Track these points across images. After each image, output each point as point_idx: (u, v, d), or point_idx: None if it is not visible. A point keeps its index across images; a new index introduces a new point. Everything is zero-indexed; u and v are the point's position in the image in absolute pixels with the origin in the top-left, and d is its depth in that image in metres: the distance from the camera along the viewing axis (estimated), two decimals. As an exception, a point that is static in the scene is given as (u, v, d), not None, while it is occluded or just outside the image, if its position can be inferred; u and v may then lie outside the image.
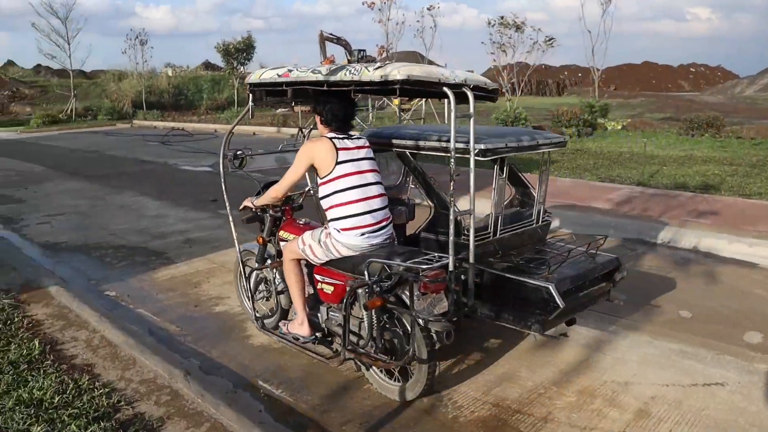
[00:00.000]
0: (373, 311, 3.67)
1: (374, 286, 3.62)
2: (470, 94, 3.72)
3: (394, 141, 4.45)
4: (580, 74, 64.58)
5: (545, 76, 60.25)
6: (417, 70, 3.59)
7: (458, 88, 3.77)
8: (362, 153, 4.00)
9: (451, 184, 3.73)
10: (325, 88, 3.83)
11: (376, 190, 4.00)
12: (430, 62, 26.97)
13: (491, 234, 4.16)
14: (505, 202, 4.58)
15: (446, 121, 13.72)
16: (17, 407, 3.63)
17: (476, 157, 3.80)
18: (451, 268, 3.61)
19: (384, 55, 22.76)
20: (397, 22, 23.96)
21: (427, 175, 4.33)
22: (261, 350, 4.71)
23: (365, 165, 3.99)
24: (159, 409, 3.70)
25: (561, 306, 3.65)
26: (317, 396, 4.00)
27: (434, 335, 3.61)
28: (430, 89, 3.81)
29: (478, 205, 3.92)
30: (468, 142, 3.79)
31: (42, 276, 6.40)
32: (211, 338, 4.97)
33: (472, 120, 3.69)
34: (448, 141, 3.74)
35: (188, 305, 5.74)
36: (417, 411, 3.82)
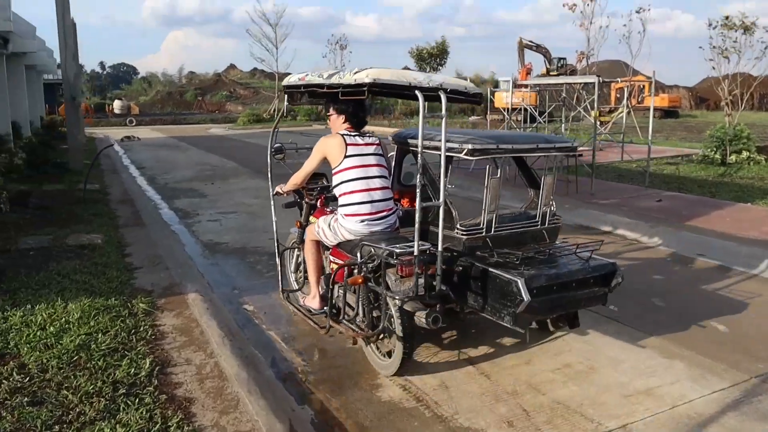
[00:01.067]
0: (357, 288, 4.27)
1: (362, 266, 4.16)
2: (443, 97, 4.01)
3: (408, 141, 4.87)
4: (818, 90, 56.12)
5: (773, 90, 53.03)
6: (386, 75, 3.98)
7: (434, 92, 4.06)
8: (370, 149, 4.49)
9: (418, 177, 4.01)
10: (325, 90, 4.34)
11: (378, 183, 4.45)
12: (635, 72, 24.50)
13: (483, 230, 4.42)
14: (524, 204, 5.01)
15: (649, 137, 11.97)
16: (91, 447, 3.12)
17: (465, 156, 4.28)
18: (416, 253, 3.87)
19: (583, 62, 20.97)
20: (600, 26, 21.95)
21: (433, 173, 4.57)
22: (387, 409, 3.86)
23: (371, 160, 4.46)
24: (240, 481, 2.98)
25: (525, 299, 3.86)
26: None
27: (423, 319, 3.87)
28: (405, 92, 4.17)
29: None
30: (463, 143, 4.30)
31: (188, 279, 6.13)
32: (335, 382, 4.22)
33: (444, 120, 3.94)
34: (448, 142, 4.19)
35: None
36: None
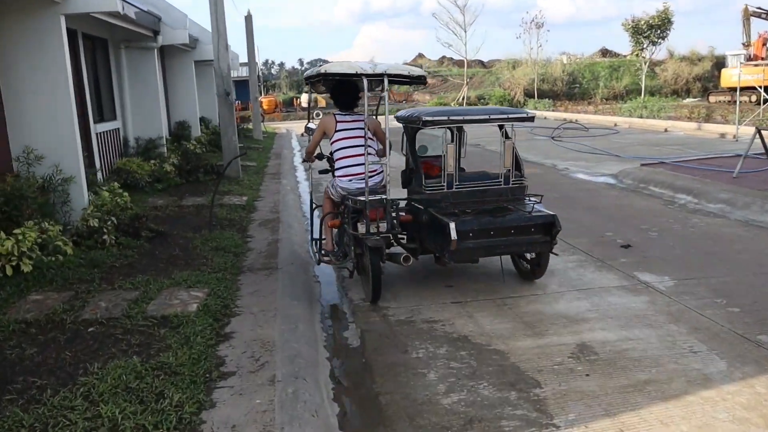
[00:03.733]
0: (336, 229, 5.86)
1: (343, 213, 5.62)
2: (385, 81, 5.23)
3: (403, 119, 5.78)
4: None
5: None
6: (336, 67, 5.34)
7: (379, 77, 5.26)
8: (356, 125, 5.57)
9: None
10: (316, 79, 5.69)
11: (360, 150, 5.45)
12: None
13: (445, 187, 5.31)
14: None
15: None
16: None
17: (421, 127, 5.42)
18: (367, 201, 5.12)
19: None
20: None
21: (410, 144, 5.69)
22: None
23: (356, 133, 5.54)
24: None
25: (454, 238, 4.81)
26: None
27: (401, 259, 5.23)
28: (355, 79, 5.37)
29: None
30: (421, 116, 5.35)
31: (300, 417, 3.27)
32: None
33: (386, 99, 5.30)
34: (415, 120, 5.42)
35: None
36: None
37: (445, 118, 5.34)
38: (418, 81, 5.61)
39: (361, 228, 5.13)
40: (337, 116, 5.62)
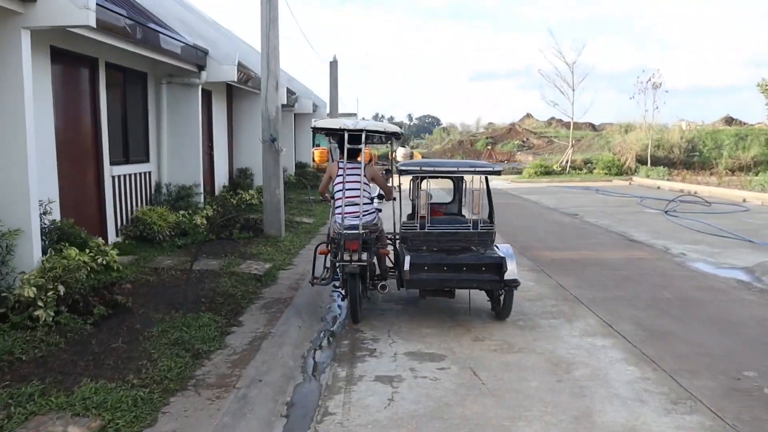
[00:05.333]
0: (325, 256, 6.41)
1: (332, 243, 6.13)
2: (363, 135, 5.99)
3: (401, 169, 6.29)
4: None
5: None
6: (323, 123, 6.57)
7: (360, 132, 6.01)
8: (353, 172, 6.26)
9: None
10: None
11: (352, 193, 6.18)
12: None
13: (417, 228, 5.97)
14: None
15: None
16: None
17: (400, 175, 6.28)
18: (343, 234, 5.75)
19: None
20: None
21: (411, 191, 6.33)
22: None
23: (351, 178, 6.25)
24: None
25: (405, 268, 5.60)
26: None
27: (378, 287, 6.15)
28: (339, 132, 6.23)
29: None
30: (399, 167, 6.23)
31: None
32: None
33: (362, 150, 6.36)
34: (409, 170, 6.13)
35: None
36: None
37: (418, 168, 6.11)
38: (393, 136, 6.51)
39: (340, 256, 5.77)
40: (339, 164, 6.38)
